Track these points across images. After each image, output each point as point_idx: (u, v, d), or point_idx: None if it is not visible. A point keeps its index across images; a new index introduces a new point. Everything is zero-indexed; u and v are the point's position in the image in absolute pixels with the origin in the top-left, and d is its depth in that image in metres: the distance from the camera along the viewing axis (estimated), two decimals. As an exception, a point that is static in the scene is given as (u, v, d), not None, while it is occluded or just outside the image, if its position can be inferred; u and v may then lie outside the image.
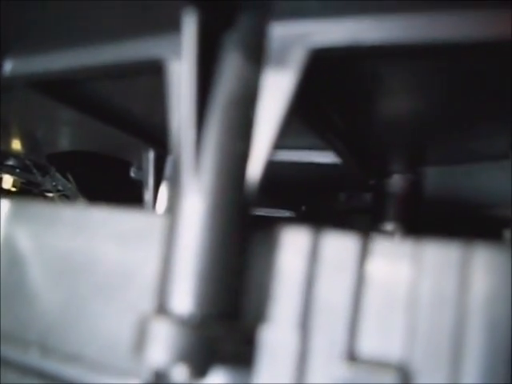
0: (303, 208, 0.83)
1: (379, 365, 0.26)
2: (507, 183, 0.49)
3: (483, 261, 0.25)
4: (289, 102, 0.30)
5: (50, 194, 0.97)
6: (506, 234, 0.57)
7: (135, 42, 0.36)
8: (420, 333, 0.26)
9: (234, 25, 0.30)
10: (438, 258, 0.26)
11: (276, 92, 0.30)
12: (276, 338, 0.28)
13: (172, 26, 0.34)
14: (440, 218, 0.63)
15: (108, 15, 0.34)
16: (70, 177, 0.89)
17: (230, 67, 0.29)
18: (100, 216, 0.36)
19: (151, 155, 0.60)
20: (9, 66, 0.43)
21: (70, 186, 0.89)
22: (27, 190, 0.96)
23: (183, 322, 0.26)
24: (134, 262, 0.34)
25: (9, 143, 0.81)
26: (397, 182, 0.61)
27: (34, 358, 0.36)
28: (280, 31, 0.30)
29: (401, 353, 0.26)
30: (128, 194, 0.87)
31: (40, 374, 0.36)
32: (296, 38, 0.30)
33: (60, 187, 0.91)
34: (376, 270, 0.27)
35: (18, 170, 0.91)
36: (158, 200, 0.60)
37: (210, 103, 0.29)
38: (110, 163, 0.81)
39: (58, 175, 0.89)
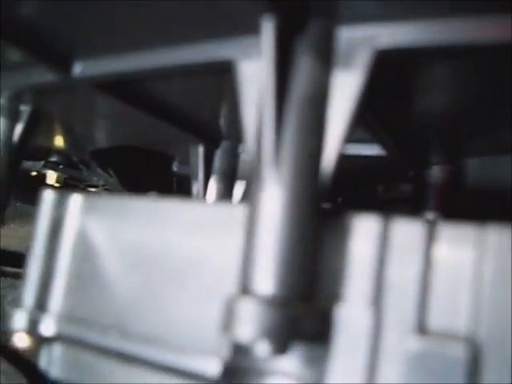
0: (339, 199, 0.85)
1: (448, 337, 0.29)
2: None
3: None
4: (357, 100, 0.32)
5: (93, 189, 1.00)
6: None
7: (205, 44, 0.38)
8: (484, 308, 0.28)
9: (305, 29, 0.32)
10: (499, 241, 0.29)
11: (345, 91, 0.32)
12: (350, 316, 0.31)
13: (241, 29, 0.36)
14: (481, 208, 0.65)
15: (178, 18, 0.37)
16: (111, 171, 0.93)
17: (303, 69, 0.32)
18: (171, 207, 0.39)
19: (200, 150, 0.63)
20: (78, 69, 0.46)
21: (112, 180, 0.92)
22: (70, 185, 1.00)
23: (267, 302, 0.29)
24: (207, 251, 0.37)
25: (52, 140, 0.84)
26: (437, 172, 0.63)
27: (113, 340, 0.39)
28: (347, 34, 0.33)
29: (467, 327, 0.29)
30: (170, 188, 0.90)
31: (119, 354, 0.39)
32: (362, 41, 0.33)
33: (102, 182, 0.95)
34: (442, 253, 0.30)
35: (61, 166, 0.94)
36: (207, 193, 0.63)
37: (286, 102, 0.31)
38: (151, 157, 0.84)
39: (99, 170, 0.92)
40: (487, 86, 0.42)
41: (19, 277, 1.15)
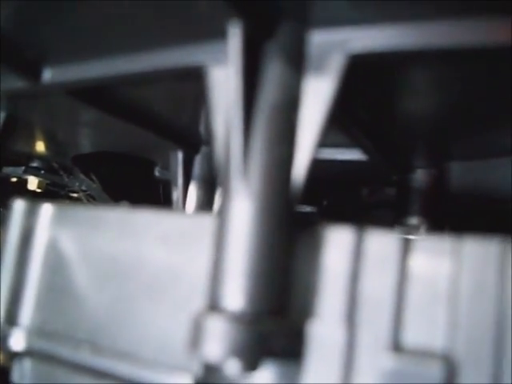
0: (324, 203, 0.84)
1: (424, 355, 0.28)
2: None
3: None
4: (329, 106, 0.31)
5: (75, 195, 0.99)
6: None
7: (175, 50, 0.37)
8: (462, 325, 0.27)
9: (274, 33, 0.31)
10: (477, 253, 0.28)
11: (317, 97, 0.31)
12: (323, 332, 0.30)
13: (212, 35, 0.35)
14: (464, 212, 0.64)
15: (150, 23, 0.36)
16: (94, 177, 0.91)
17: (273, 75, 0.31)
18: (144, 218, 0.38)
19: (180, 155, 0.61)
20: (48, 75, 0.44)
21: (94, 186, 0.90)
22: (52, 192, 0.98)
23: (236, 319, 0.28)
24: (181, 263, 0.36)
25: (33, 146, 0.83)
26: (420, 176, 0.62)
27: (84, 356, 0.38)
28: (319, 39, 0.32)
29: (444, 344, 0.28)
30: (151, 193, 0.89)
31: (91, 370, 0.38)
32: (334, 45, 0.31)
33: (85, 188, 0.93)
34: (418, 266, 0.29)
35: (42, 172, 0.93)
36: (187, 199, 0.62)
37: (254, 110, 0.30)
38: (133, 163, 0.83)
39: (82, 176, 0.91)
40: (469, 90, 0.41)
41: None
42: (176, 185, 0.63)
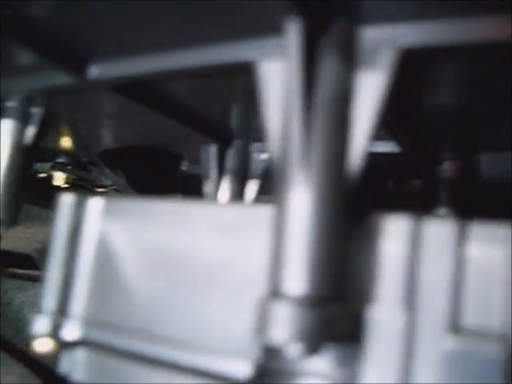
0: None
1: (482, 336, 0.29)
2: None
3: None
4: (382, 99, 0.32)
5: (101, 190, 1.00)
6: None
7: (225, 46, 0.38)
8: (517, 307, 0.29)
9: (328, 30, 0.32)
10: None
11: (370, 91, 0.32)
12: (383, 317, 0.31)
13: (262, 31, 0.36)
14: (493, 203, 0.65)
15: (198, 20, 0.37)
16: (119, 172, 0.93)
17: (328, 70, 0.32)
18: (196, 209, 0.39)
19: (213, 149, 0.63)
20: (94, 71, 0.46)
21: (120, 180, 0.92)
22: (79, 186, 1.00)
23: (300, 303, 0.29)
24: (234, 252, 0.37)
25: (59, 141, 0.84)
26: (448, 168, 0.63)
27: (139, 344, 0.39)
28: (370, 34, 0.33)
29: (500, 324, 0.29)
30: (177, 188, 0.90)
31: (146, 358, 0.39)
32: (385, 40, 0.33)
33: (110, 182, 0.94)
34: (473, 251, 0.30)
35: (69, 167, 0.94)
36: (219, 192, 0.63)
37: (312, 104, 0.31)
38: (160, 157, 0.84)
39: (107, 170, 0.92)
40: (500, 82, 0.42)
41: (27, 278, 1.16)
42: (208, 178, 0.64)
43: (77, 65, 0.45)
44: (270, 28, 0.35)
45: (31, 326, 0.43)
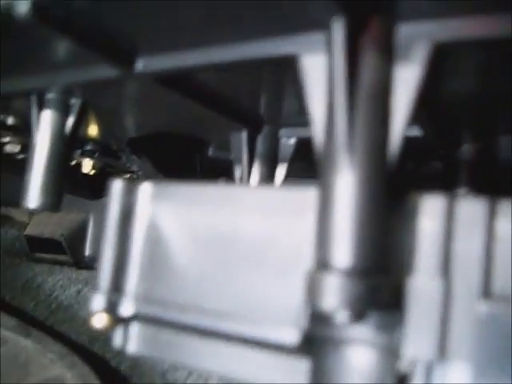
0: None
1: (509, 301, 0.32)
2: None
3: None
4: (417, 90, 0.35)
5: (128, 175, 1.04)
6: None
7: (269, 41, 0.41)
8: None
9: (368, 27, 0.35)
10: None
11: (406, 82, 0.36)
12: (422, 286, 0.34)
13: (305, 27, 0.39)
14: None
15: (243, 16, 0.40)
16: (145, 157, 0.96)
17: (368, 63, 0.35)
18: (242, 192, 0.43)
19: (244, 135, 0.66)
20: (140, 64, 0.49)
21: (147, 165, 0.95)
22: (106, 173, 1.03)
23: (347, 275, 0.33)
24: (277, 232, 0.40)
25: (87, 130, 0.88)
26: (468, 150, 0.66)
27: (190, 317, 0.43)
28: (406, 30, 0.36)
29: (526, 291, 0.32)
30: (203, 172, 0.93)
31: (197, 330, 0.43)
32: (420, 36, 0.36)
33: (137, 168, 0.98)
34: (502, 226, 0.33)
35: (96, 154, 0.98)
36: (251, 176, 0.66)
37: (355, 94, 0.35)
38: (186, 143, 0.87)
39: (134, 156, 0.96)
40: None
41: (55, 262, 1.20)
42: (239, 163, 0.67)
43: (125, 59, 0.48)
44: (313, 24, 0.38)
45: (90, 303, 0.47)
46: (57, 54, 0.51)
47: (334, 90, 0.35)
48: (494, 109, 0.58)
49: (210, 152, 0.86)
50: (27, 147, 0.90)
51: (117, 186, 0.48)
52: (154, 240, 0.46)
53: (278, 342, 0.39)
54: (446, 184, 0.70)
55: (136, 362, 0.92)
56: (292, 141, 0.69)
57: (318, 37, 0.39)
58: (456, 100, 0.56)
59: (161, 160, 0.94)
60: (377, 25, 0.35)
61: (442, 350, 0.33)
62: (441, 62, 0.43)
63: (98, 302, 0.46)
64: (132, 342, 0.47)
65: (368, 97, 0.35)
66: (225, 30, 0.42)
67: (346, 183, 0.34)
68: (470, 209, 0.34)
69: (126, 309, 0.46)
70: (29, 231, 1.26)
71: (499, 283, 0.33)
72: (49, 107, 0.64)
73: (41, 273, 1.21)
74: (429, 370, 0.34)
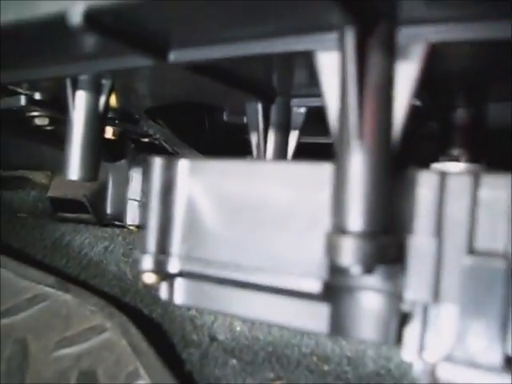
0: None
1: (490, 255, 0.41)
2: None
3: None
4: (416, 83, 0.43)
5: (146, 140, 1.11)
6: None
7: (289, 38, 0.48)
8: (516, 233, 0.40)
9: (374, 31, 0.42)
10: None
11: (405, 77, 0.43)
12: (419, 244, 0.43)
13: (320, 28, 0.46)
14: (500, 147, 0.76)
15: (266, 19, 0.47)
16: (163, 123, 1.03)
17: (374, 61, 0.42)
18: (268, 167, 0.51)
19: (259, 106, 0.74)
20: (172, 56, 0.56)
21: (164, 131, 1.03)
22: (126, 138, 1.11)
23: (359, 236, 0.41)
24: (301, 200, 0.48)
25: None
26: (461, 114, 0.73)
27: (229, 272, 0.52)
28: (406, 33, 0.43)
29: (504, 247, 0.40)
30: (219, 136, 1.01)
31: (234, 282, 0.51)
32: (417, 37, 0.43)
33: (156, 133, 1.05)
34: (485, 195, 0.41)
35: (116, 121, 1.05)
36: (266, 144, 0.74)
37: (363, 88, 0.42)
38: (203, 109, 0.95)
39: (151, 122, 1.03)
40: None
41: (80, 221, 1.28)
42: (256, 131, 0.75)
43: (159, 52, 0.55)
44: (329, 27, 0.45)
45: (139, 263, 0.55)
46: (98, 48, 0.58)
47: (346, 85, 0.42)
48: (483, 79, 0.65)
49: (225, 117, 0.94)
50: (55, 120, 0.98)
51: (158, 162, 0.56)
52: (193, 208, 0.54)
53: (303, 290, 0.47)
54: (442, 145, 0.77)
55: (166, 309, 1.02)
56: (302, 110, 0.76)
57: (332, 36, 0.45)
58: (449, 74, 0.63)
59: (177, 125, 1.02)
60: (381, 29, 0.43)
61: (436, 295, 0.42)
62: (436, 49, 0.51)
63: (147, 262, 0.55)
64: (178, 294, 0.56)
65: (374, 90, 0.42)
66: (251, 28, 0.49)
67: (357, 162, 0.42)
68: (458, 181, 0.42)
69: (171, 267, 0.55)
70: (51, 193, 1.35)
71: (481, 241, 0.41)
72: (82, 88, 0.71)
73: (68, 232, 1.30)
74: (425, 310, 0.43)
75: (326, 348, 0.88)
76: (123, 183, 1.27)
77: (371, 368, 0.85)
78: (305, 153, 0.77)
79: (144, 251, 0.56)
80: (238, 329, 0.95)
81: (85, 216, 1.31)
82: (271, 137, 0.75)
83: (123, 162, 1.28)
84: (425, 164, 0.75)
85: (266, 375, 0.86)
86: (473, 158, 0.74)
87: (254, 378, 0.86)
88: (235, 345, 0.93)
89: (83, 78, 0.70)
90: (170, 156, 0.56)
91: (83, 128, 0.71)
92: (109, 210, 1.31)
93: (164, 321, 1.01)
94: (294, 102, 0.76)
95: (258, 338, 0.92)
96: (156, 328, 1.00)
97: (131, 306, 1.06)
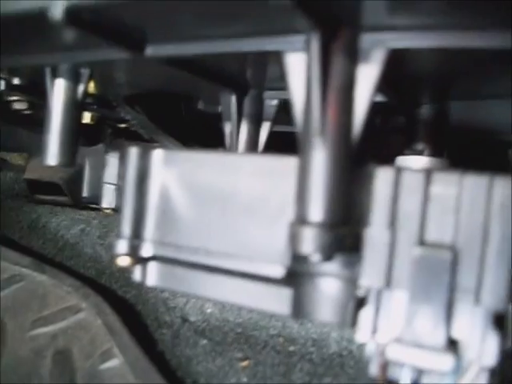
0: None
1: (439, 247, 0.44)
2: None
3: (500, 185, 0.43)
4: (375, 85, 0.46)
5: (123, 125, 1.14)
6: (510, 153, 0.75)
7: (260, 39, 0.51)
8: (462, 227, 0.44)
9: (338, 36, 0.46)
10: (473, 183, 0.44)
11: (366, 80, 0.46)
12: (375, 235, 0.46)
13: (289, 30, 0.49)
14: (462, 141, 0.80)
15: (238, 20, 0.50)
16: (139, 109, 1.06)
17: (337, 65, 0.46)
18: (239, 158, 0.54)
19: (233, 98, 0.76)
20: (149, 50, 0.59)
21: (141, 117, 1.05)
22: (103, 123, 1.13)
23: (320, 227, 0.44)
24: (268, 192, 0.52)
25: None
26: (426, 110, 0.77)
27: (200, 257, 0.55)
28: (367, 39, 0.46)
29: (451, 239, 0.44)
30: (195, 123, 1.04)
31: (204, 267, 0.55)
32: (378, 43, 0.46)
33: (132, 119, 1.08)
34: (435, 191, 0.45)
35: (94, 107, 1.07)
36: (239, 134, 0.77)
37: (326, 90, 0.45)
38: (179, 98, 0.98)
39: (129, 108, 1.05)
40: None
41: (56, 204, 1.30)
42: (228, 121, 0.78)
43: (137, 46, 0.58)
44: (296, 31, 0.48)
45: (113, 248, 0.58)
46: (78, 41, 0.60)
47: (310, 86, 0.46)
48: (446, 79, 0.69)
49: (200, 106, 0.97)
50: (33, 105, 1.00)
51: (133, 152, 0.59)
52: (166, 196, 0.57)
53: (268, 275, 0.51)
54: (408, 138, 0.81)
55: (140, 291, 1.05)
56: (274, 102, 0.79)
57: (300, 39, 0.48)
58: (414, 74, 0.67)
59: (154, 112, 1.04)
60: (344, 34, 0.46)
61: (388, 281, 0.46)
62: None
63: (121, 246, 0.58)
64: (150, 276, 0.59)
65: (337, 90, 0.46)
66: (223, 28, 0.52)
67: (319, 157, 0.45)
68: (412, 178, 0.46)
69: (145, 251, 0.58)
70: (28, 175, 1.36)
71: (430, 234, 0.45)
72: (61, 76, 0.73)
73: (44, 214, 1.32)
74: (378, 296, 0.46)
75: (293, 330, 0.93)
76: (100, 167, 1.30)
77: (334, 349, 0.89)
78: (280, 142, 0.80)
79: (119, 236, 0.58)
80: (209, 311, 0.99)
81: (61, 198, 1.33)
82: (244, 127, 0.78)
83: (100, 146, 1.30)
84: (394, 157, 0.79)
85: (235, 355, 0.90)
86: (435, 153, 0.78)
87: (223, 357, 0.90)
88: (206, 326, 0.97)
89: (62, 66, 0.73)
90: (146, 145, 0.59)
91: (61, 115, 0.73)
92: (85, 193, 1.34)
93: (138, 302, 1.04)
94: (267, 94, 0.79)
95: (227, 320, 0.96)
96: (130, 309, 1.03)
97: (106, 288, 1.09)
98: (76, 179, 1.33)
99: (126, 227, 0.58)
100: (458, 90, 0.72)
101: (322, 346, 0.88)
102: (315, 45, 0.45)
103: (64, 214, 1.30)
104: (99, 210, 1.34)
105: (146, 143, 1.19)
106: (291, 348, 0.89)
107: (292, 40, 0.49)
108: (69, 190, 1.31)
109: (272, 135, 0.81)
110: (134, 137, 1.20)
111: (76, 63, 0.71)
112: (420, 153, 0.78)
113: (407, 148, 0.80)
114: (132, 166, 0.59)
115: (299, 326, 0.91)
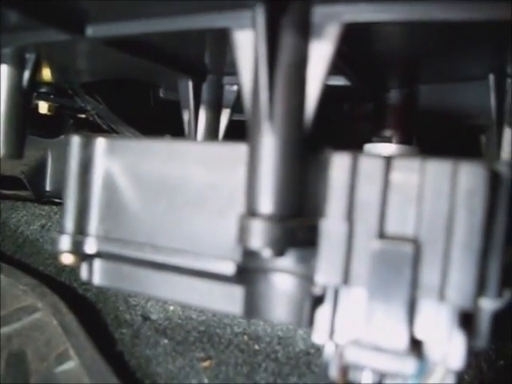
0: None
1: (400, 240, 0.40)
2: (485, 99, 0.63)
3: (466, 171, 0.39)
4: (329, 63, 0.42)
5: (83, 115, 1.09)
6: (482, 138, 0.72)
7: (206, 15, 0.47)
8: (425, 218, 0.40)
9: (287, 10, 0.41)
10: (436, 169, 0.40)
11: (319, 57, 0.42)
12: (331, 228, 0.42)
13: (236, 6, 0.45)
14: (432, 127, 0.77)
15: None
16: (99, 98, 1.01)
17: (287, 41, 0.41)
18: (187, 146, 0.50)
19: (190, 83, 0.72)
20: (90, 31, 0.54)
21: (101, 107, 1.00)
22: (61, 114, 1.08)
23: (270, 219, 0.40)
24: (219, 181, 0.47)
25: (41, 74, 0.92)
26: (394, 95, 0.73)
27: (146, 253, 0.50)
28: (320, 12, 0.42)
29: (413, 232, 0.40)
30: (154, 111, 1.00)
31: (152, 264, 0.51)
32: (331, 17, 0.42)
33: (92, 109, 1.03)
34: (396, 179, 0.41)
35: (52, 96, 1.02)
36: (197, 120, 0.73)
37: (275, 68, 0.41)
38: (138, 85, 0.93)
39: (88, 98, 1.01)
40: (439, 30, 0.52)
41: (17, 199, 1.25)
42: (187, 109, 0.74)
43: (76, 26, 0.53)
44: (243, 5, 0.44)
45: (57, 243, 0.54)
46: (17, 23, 0.55)
47: (257, 65, 0.41)
48: (413, 61, 0.65)
49: (161, 93, 0.92)
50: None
51: (75, 141, 0.54)
52: (111, 188, 0.53)
53: (218, 272, 0.46)
54: (376, 125, 0.78)
55: (101, 289, 1.01)
56: (235, 88, 0.75)
57: (247, 14, 0.44)
58: (380, 55, 0.63)
59: (114, 101, 1.00)
60: (294, 8, 0.42)
61: (346, 278, 0.42)
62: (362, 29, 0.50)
63: (64, 242, 0.53)
64: (96, 275, 0.54)
65: (286, 70, 0.41)
66: (167, 4, 0.48)
67: (268, 144, 0.41)
68: (370, 165, 0.42)
69: (90, 247, 0.53)
70: (-12, 170, 1.31)
71: (391, 226, 0.41)
72: (5, 62, 0.68)
73: (4, 210, 1.27)
74: (335, 294, 0.42)
75: (258, 328, 0.89)
76: (62, 159, 1.24)
77: (301, 347, 0.86)
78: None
79: (61, 231, 0.54)
80: (172, 308, 0.95)
81: (23, 193, 1.28)
82: (202, 115, 0.74)
83: (62, 138, 1.25)
84: (361, 144, 0.76)
85: (196, 355, 0.86)
86: (404, 139, 0.74)
87: (184, 357, 0.86)
88: (168, 324, 0.92)
89: (5, 51, 0.68)
90: (89, 134, 0.55)
91: (6, 103, 0.68)
92: (48, 187, 1.28)
93: (98, 300, 1.00)
94: (227, 79, 0.75)
95: (190, 318, 0.92)
96: (90, 308, 0.99)
97: (66, 286, 1.05)
98: (38, 173, 1.27)
99: (69, 222, 0.54)
100: (428, 72, 0.68)
101: (288, 344, 0.84)
102: (261, 19, 0.41)
103: (25, 209, 1.25)
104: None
105: (111, 134, 1.14)
106: (256, 347, 0.85)
107: (239, 16, 0.45)
108: (31, 184, 1.26)
109: (237, 124, 0.77)
110: (97, 128, 1.15)
111: (18, 47, 0.66)
112: (388, 140, 0.75)
113: (375, 135, 0.77)
114: (74, 156, 0.54)
115: (264, 324, 0.87)
